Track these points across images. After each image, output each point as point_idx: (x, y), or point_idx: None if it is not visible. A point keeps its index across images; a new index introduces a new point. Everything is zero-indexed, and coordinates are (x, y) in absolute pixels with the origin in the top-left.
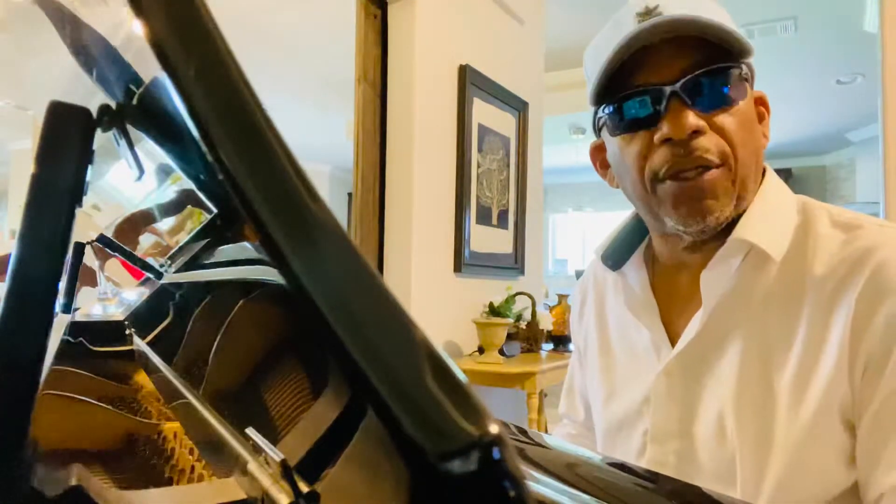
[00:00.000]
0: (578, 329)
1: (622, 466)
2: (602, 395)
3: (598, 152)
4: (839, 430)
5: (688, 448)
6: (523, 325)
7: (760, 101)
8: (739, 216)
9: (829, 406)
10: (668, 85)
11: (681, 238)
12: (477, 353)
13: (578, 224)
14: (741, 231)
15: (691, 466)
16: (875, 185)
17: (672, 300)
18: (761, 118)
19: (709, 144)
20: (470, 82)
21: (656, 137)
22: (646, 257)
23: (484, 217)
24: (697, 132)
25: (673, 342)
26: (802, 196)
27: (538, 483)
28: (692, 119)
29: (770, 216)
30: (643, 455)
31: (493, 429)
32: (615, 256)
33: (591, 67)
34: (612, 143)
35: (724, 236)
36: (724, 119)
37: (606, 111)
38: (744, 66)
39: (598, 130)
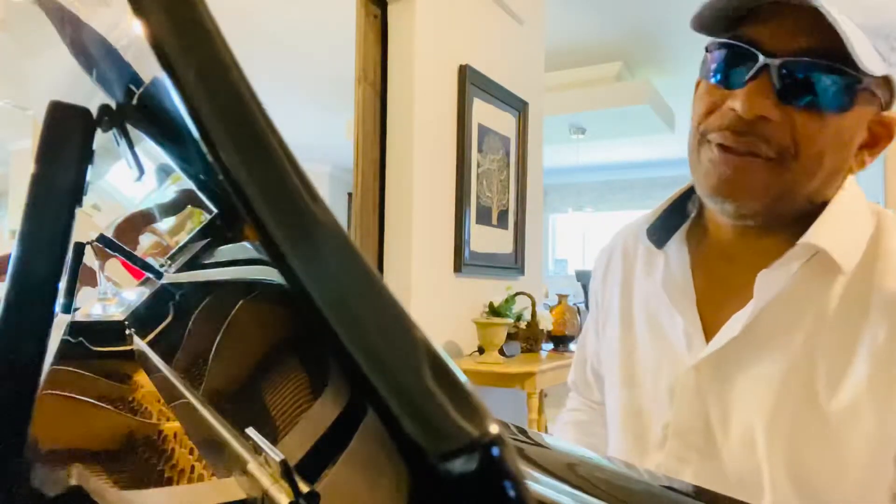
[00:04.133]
0: (601, 294)
1: (622, 467)
2: (620, 377)
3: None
4: (893, 467)
5: (711, 449)
6: (523, 325)
7: (882, 124)
8: (809, 216)
9: (886, 441)
10: (769, 57)
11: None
12: (477, 353)
13: (578, 224)
14: (814, 236)
15: (714, 468)
16: (875, 185)
17: (711, 289)
18: (874, 143)
19: (771, 134)
20: (470, 82)
21: (727, 102)
22: (688, 238)
23: (484, 217)
24: (765, 118)
25: (707, 334)
26: (873, 203)
27: (538, 483)
28: (766, 105)
29: (846, 223)
30: (662, 448)
31: (493, 429)
32: (659, 233)
33: None
34: (700, 81)
35: (783, 233)
36: (808, 121)
37: (708, 50)
38: (864, 80)
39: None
